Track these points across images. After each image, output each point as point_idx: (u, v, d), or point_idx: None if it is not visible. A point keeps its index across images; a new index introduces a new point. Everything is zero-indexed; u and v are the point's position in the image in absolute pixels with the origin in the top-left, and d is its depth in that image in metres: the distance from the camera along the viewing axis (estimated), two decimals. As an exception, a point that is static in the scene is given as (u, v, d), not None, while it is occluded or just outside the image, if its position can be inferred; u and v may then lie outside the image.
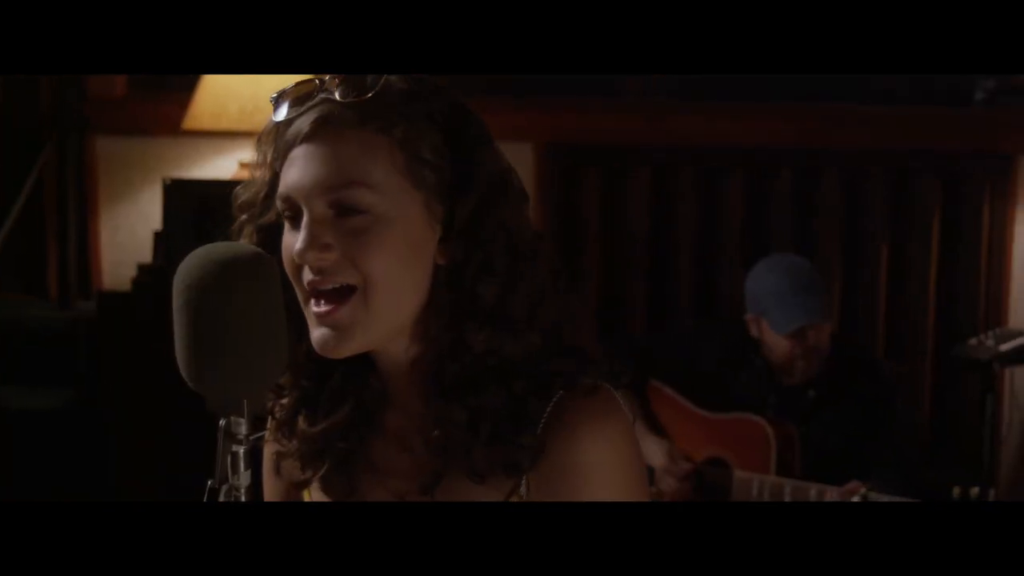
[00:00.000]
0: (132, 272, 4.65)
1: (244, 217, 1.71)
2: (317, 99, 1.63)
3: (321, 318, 1.60)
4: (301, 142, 1.62)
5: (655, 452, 3.91)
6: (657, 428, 4.01)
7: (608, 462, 1.63)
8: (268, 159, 1.68)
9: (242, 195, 1.72)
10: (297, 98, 1.65)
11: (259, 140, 1.70)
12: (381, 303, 1.60)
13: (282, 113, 1.65)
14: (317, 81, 1.64)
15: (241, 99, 4.62)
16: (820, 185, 4.91)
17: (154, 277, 4.45)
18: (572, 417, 1.62)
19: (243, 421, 1.45)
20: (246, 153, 4.84)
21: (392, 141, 1.61)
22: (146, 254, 4.83)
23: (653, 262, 4.99)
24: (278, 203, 1.64)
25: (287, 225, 1.63)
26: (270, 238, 1.66)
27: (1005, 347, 4.01)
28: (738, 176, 4.92)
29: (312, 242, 1.58)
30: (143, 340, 4.26)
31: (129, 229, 5.14)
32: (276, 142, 1.66)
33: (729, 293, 4.89)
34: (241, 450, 1.45)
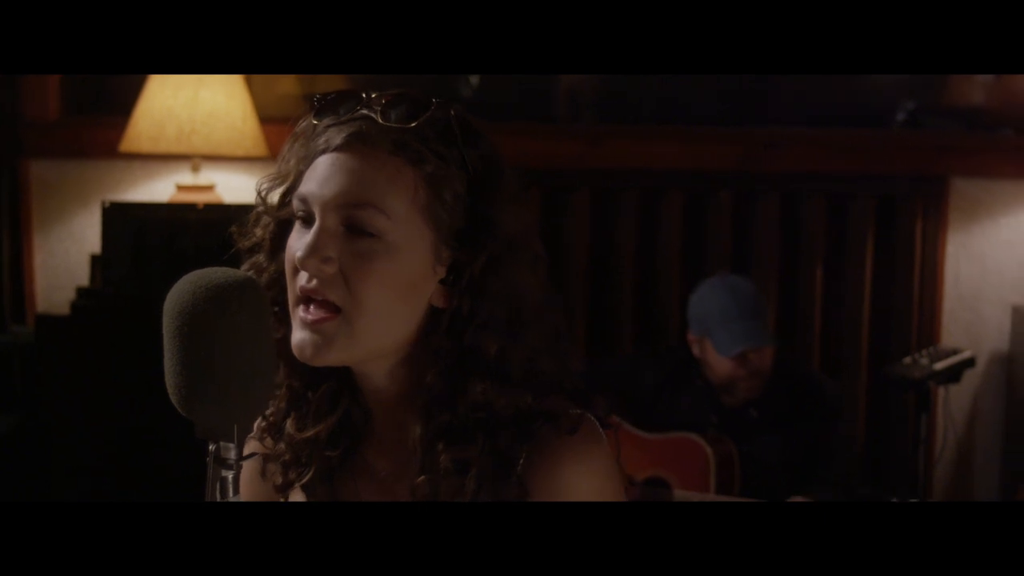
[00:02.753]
0: (67, 295, 4.62)
1: (262, 208, 1.71)
2: (358, 113, 1.63)
3: (306, 324, 1.61)
4: (331, 151, 1.62)
5: None
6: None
7: (590, 495, 1.64)
8: (297, 158, 1.67)
9: (264, 186, 1.72)
10: (339, 107, 1.64)
11: (294, 137, 1.69)
12: (363, 327, 1.60)
13: (320, 117, 1.65)
14: (363, 95, 1.64)
15: (179, 121, 4.61)
16: (757, 207, 4.95)
17: (93, 300, 4.42)
18: (552, 453, 1.63)
19: (232, 446, 1.45)
20: (183, 176, 4.83)
21: (419, 176, 1.61)
22: (81, 277, 4.80)
23: (592, 283, 5.02)
24: (295, 201, 1.64)
25: (297, 225, 1.64)
26: (284, 233, 1.67)
27: (939, 366, 4.06)
28: (676, 198, 4.96)
29: (315, 251, 1.59)
30: (83, 363, 4.25)
31: (63, 252, 5.11)
32: (308, 144, 1.66)
33: (669, 313, 4.93)
34: (231, 475, 1.45)
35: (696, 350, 4.04)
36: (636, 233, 4.98)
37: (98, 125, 5.04)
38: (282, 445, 1.73)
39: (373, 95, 1.64)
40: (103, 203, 4.47)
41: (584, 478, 1.63)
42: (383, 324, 1.61)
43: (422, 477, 1.64)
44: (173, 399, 1.45)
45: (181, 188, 4.79)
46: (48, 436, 4.35)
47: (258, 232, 1.70)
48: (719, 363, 3.97)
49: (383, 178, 1.60)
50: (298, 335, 1.62)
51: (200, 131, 4.62)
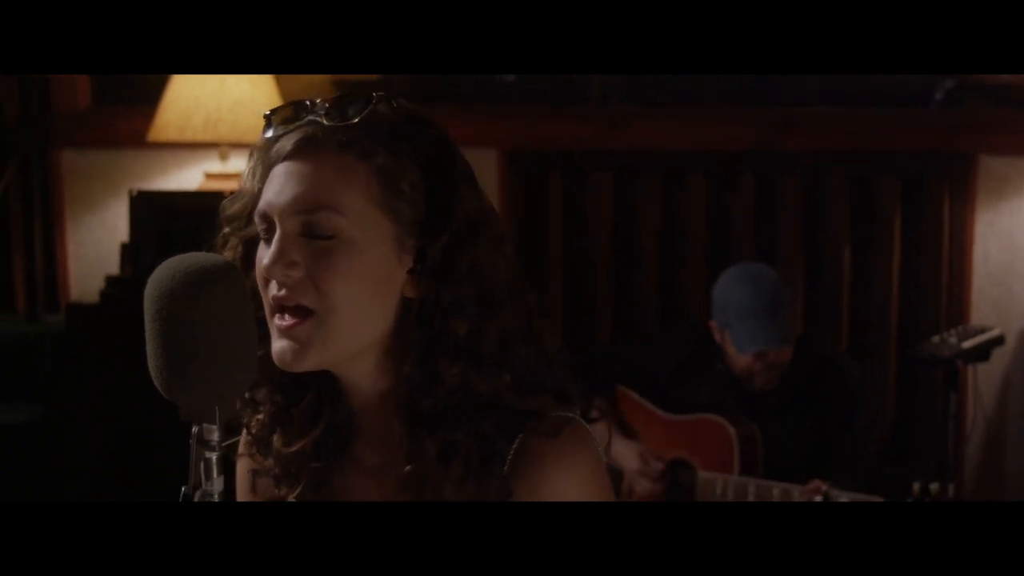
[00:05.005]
0: (99, 284, 4.66)
1: (228, 230, 1.73)
2: (304, 120, 1.65)
3: (282, 331, 1.63)
4: (282, 160, 1.64)
5: (627, 455, 3.93)
6: (628, 431, 4.03)
7: (575, 498, 1.64)
8: (255, 175, 1.69)
9: (228, 208, 1.74)
10: (286, 117, 1.67)
11: (250, 155, 1.72)
12: (338, 326, 1.62)
13: (271, 131, 1.68)
14: (308, 103, 1.67)
15: (206, 110, 4.64)
16: (781, 187, 4.94)
17: (122, 288, 4.46)
18: (539, 454, 1.64)
19: (215, 428, 1.47)
20: (211, 164, 4.86)
21: (370, 169, 1.62)
22: (112, 266, 4.84)
23: (617, 266, 5.02)
24: (256, 219, 1.66)
25: (262, 240, 1.66)
26: (253, 252, 1.68)
27: (968, 344, 4.05)
28: (699, 180, 4.95)
29: (279, 258, 1.61)
30: (112, 351, 4.28)
31: (95, 241, 5.15)
32: (262, 159, 1.68)
33: (692, 295, 4.93)
34: (214, 456, 1.47)
35: (717, 337, 4.03)
36: (659, 215, 4.98)
37: (127, 115, 5.08)
38: (270, 460, 1.75)
39: (318, 100, 1.66)
40: (131, 192, 4.51)
41: (569, 482, 1.64)
42: (356, 321, 1.63)
43: (409, 466, 1.65)
44: (156, 382, 1.48)
45: (210, 176, 4.82)
46: (75, 424, 4.40)
47: (228, 255, 1.71)
48: (737, 355, 3.96)
49: (334, 178, 1.62)
50: (276, 344, 1.64)
51: (226, 119, 4.65)
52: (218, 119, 4.64)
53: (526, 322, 1.70)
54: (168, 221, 4.42)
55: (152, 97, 4.78)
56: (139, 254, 4.47)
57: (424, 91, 5.01)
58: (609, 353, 4.28)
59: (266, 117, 1.69)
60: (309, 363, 1.64)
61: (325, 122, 1.64)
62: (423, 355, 1.64)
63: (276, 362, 1.64)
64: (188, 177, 5.04)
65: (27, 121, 5.02)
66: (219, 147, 4.80)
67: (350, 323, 1.62)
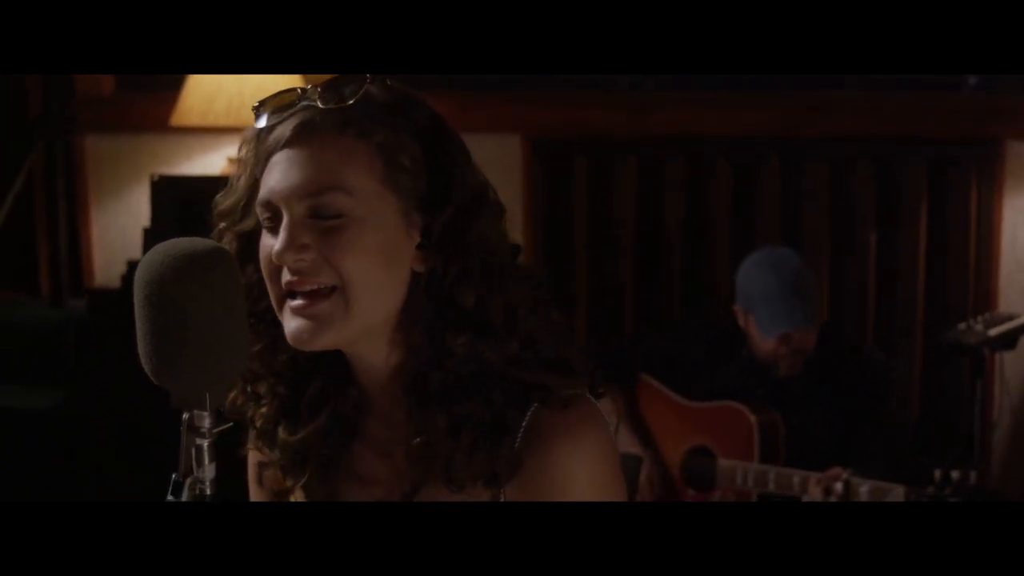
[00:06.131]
0: (123, 269, 4.66)
1: (223, 224, 1.73)
2: (299, 106, 1.65)
3: (297, 311, 1.62)
4: (282, 147, 1.63)
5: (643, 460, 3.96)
6: (647, 431, 4.03)
7: (584, 474, 1.64)
8: (249, 166, 1.69)
9: (222, 202, 1.73)
10: (279, 106, 1.66)
11: (240, 147, 1.72)
12: (360, 301, 1.61)
13: (263, 120, 1.67)
14: (299, 90, 1.66)
15: (228, 95, 4.64)
16: (807, 173, 4.91)
17: (143, 273, 4.45)
18: (548, 430, 1.64)
19: (206, 415, 1.46)
20: (234, 149, 4.84)
21: (371, 147, 1.62)
22: (136, 251, 4.85)
23: (641, 251, 5.00)
24: (258, 208, 1.65)
25: (265, 230, 1.65)
26: (249, 245, 1.68)
27: (994, 331, 4.02)
28: (724, 166, 4.93)
29: (291, 243, 1.60)
30: (133, 337, 4.27)
31: (119, 226, 5.16)
32: (257, 149, 1.67)
33: (717, 281, 4.90)
34: (205, 443, 1.46)
35: (741, 321, 4.02)
36: (684, 201, 4.96)
37: (150, 100, 5.08)
38: (276, 452, 1.75)
39: (309, 87, 1.66)
40: (152, 177, 4.51)
41: (575, 458, 1.64)
42: (374, 295, 1.63)
43: (418, 439, 1.65)
44: (145, 368, 1.47)
45: (231, 161, 4.82)
46: (97, 409, 4.40)
47: None
48: (762, 339, 3.95)
49: (337, 159, 1.62)
50: (292, 324, 1.63)
51: (249, 104, 4.62)
52: (240, 104, 4.64)
53: (533, 293, 1.70)
54: (189, 205, 4.41)
55: (175, 82, 4.79)
56: (160, 239, 4.44)
57: (450, 78, 4.99)
58: (634, 341, 4.27)
59: (255, 108, 1.68)
60: (328, 340, 1.63)
61: (320, 105, 1.63)
62: (432, 327, 1.65)
63: (291, 342, 1.63)
64: (211, 162, 5.04)
65: (51, 107, 5.03)
66: (242, 132, 4.79)
67: (369, 297, 1.62)
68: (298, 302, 1.62)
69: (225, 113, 4.65)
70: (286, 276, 1.62)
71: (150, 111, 5.04)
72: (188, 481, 1.46)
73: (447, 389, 1.64)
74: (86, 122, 5.15)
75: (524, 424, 1.64)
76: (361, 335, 1.65)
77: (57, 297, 5.04)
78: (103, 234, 5.20)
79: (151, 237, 4.57)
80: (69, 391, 4.72)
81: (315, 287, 1.61)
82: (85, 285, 5.12)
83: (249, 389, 1.74)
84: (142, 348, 1.46)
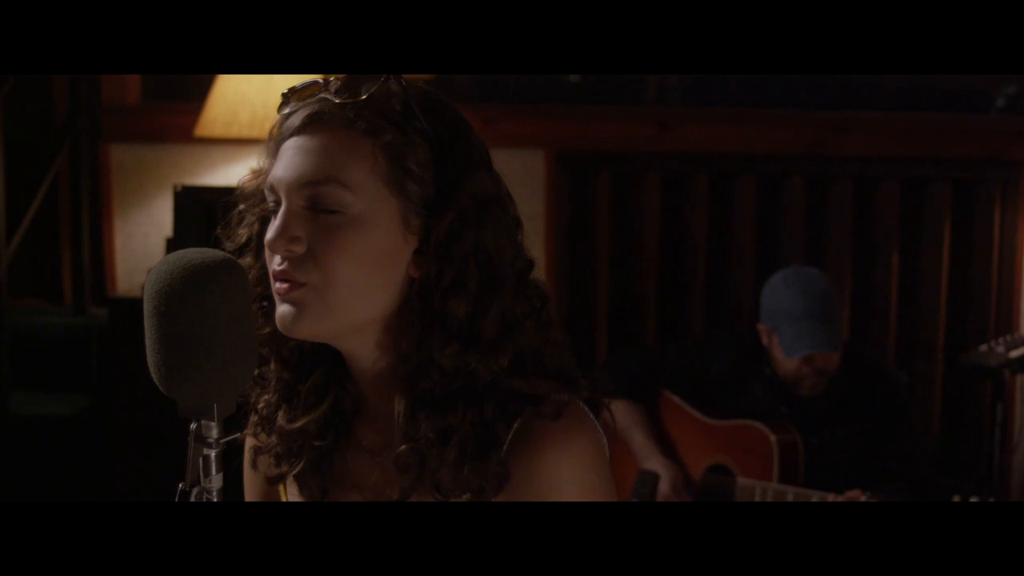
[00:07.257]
0: (144, 278, 4.67)
1: (243, 207, 1.75)
2: (316, 97, 1.66)
3: (282, 296, 1.63)
4: (291, 136, 1.65)
5: (661, 477, 3.93)
6: (667, 447, 4.01)
7: (572, 483, 1.63)
8: (269, 152, 1.71)
9: (246, 187, 1.76)
10: (302, 96, 1.68)
11: (269, 134, 1.73)
12: (335, 299, 1.61)
13: (287, 108, 1.69)
14: (322, 81, 1.67)
15: (252, 106, 4.65)
16: (831, 192, 4.90)
17: (165, 283, 4.46)
18: (537, 436, 1.63)
19: (213, 425, 1.46)
20: (257, 160, 4.86)
21: (377, 145, 1.62)
22: (158, 260, 4.85)
23: (665, 267, 5.00)
24: (266, 193, 1.67)
25: (272, 214, 1.66)
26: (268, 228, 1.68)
27: (1015, 354, 4.00)
28: (749, 183, 4.92)
29: (283, 232, 1.61)
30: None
31: (142, 235, 5.17)
32: (275, 135, 1.70)
33: (740, 298, 4.89)
34: (212, 453, 1.46)
35: (765, 340, 4.00)
36: (708, 217, 4.95)
37: (175, 110, 5.10)
38: (274, 438, 1.75)
39: (331, 79, 1.66)
40: (175, 187, 4.52)
41: (566, 466, 1.63)
42: (357, 296, 1.62)
43: (404, 446, 1.65)
44: (154, 377, 1.47)
45: (255, 172, 4.82)
46: (117, 417, 4.41)
47: (242, 232, 1.74)
48: (784, 359, 3.93)
49: (341, 152, 1.62)
50: (278, 310, 1.64)
51: (273, 116, 4.60)
52: (264, 116, 4.65)
53: (537, 311, 1.69)
54: (211, 216, 4.42)
55: (200, 93, 4.80)
56: (182, 249, 4.47)
57: (478, 89, 5.00)
58: (654, 356, 4.26)
59: (284, 95, 1.70)
60: (306, 329, 1.63)
61: (335, 99, 1.64)
62: (422, 334, 1.64)
63: (279, 328, 1.64)
64: (234, 173, 5.04)
65: (77, 116, 5.05)
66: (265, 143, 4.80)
67: (347, 298, 1.62)
68: (282, 285, 1.62)
69: (249, 124, 4.66)
70: (275, 264, 1.63)
71: (174, 121, 5.06)
72: (195, 491, 1.46)
73: (435, 398, 1.64)
74: (111, 131, 5.17)
75: (512, 431, 1.63)
76: (346, 331, 1.65)
77: (80, 305, 5.06)
78: (126, 243, 5.22)
79: (174, 247, 4.58)
80: (92, 398, 4.74)
81: (295, 280, 1.61)
82: (107, 293, 5.14)
83: (256, 372, 1.73)
84: (151, 358, 1.47)
